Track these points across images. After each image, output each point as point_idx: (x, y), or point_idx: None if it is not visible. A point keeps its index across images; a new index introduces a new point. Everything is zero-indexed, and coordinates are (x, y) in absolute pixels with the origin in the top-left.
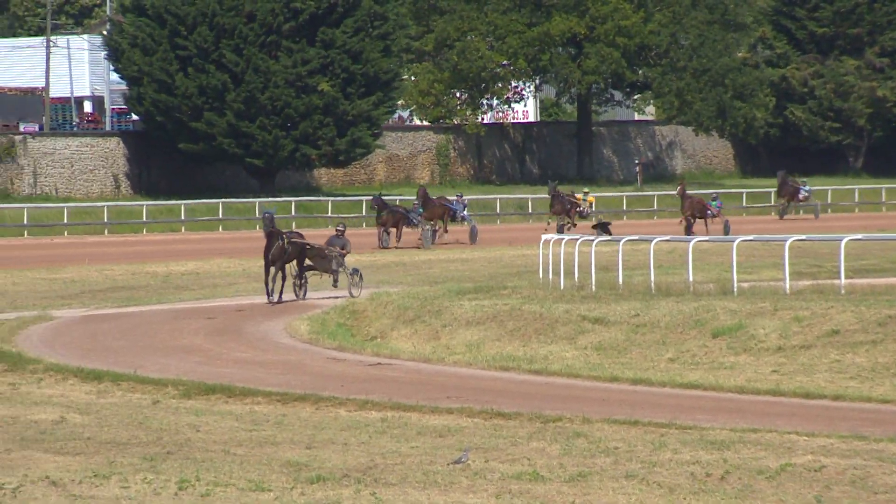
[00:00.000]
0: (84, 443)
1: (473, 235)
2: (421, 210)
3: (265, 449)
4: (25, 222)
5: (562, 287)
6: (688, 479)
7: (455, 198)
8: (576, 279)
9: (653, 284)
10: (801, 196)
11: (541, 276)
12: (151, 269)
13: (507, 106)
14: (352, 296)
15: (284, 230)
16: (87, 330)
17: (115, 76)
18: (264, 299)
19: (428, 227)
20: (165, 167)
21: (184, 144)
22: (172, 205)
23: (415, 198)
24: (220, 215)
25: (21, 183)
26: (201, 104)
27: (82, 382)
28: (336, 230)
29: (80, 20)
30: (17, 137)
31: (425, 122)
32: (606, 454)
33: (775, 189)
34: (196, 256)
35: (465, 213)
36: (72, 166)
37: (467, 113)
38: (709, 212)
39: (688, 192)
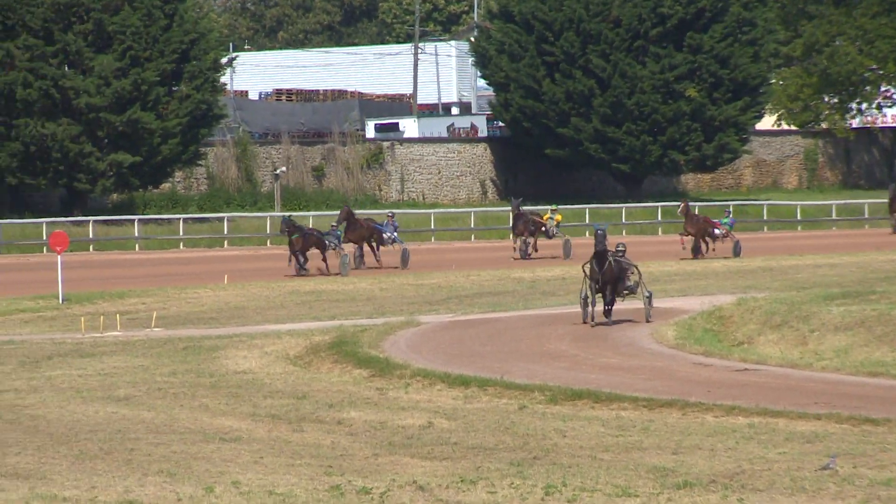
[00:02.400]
0: (451, 448)
1: (405, 259)
2: (339, 233)
3: (631, 454)
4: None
5: None
6: None
7: (386, 219)
8: None
9: None
10: None
11: None
12: (517, 275)
13: (877, 111)
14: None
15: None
16: (454, 335)
17: (481, 82)
18: (635, 305)
19: (344, 251)
20: (532, 173)
21: (550, 150)
22: (539, 210)
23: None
24: (587, 220)
25: (389, 189)
26: (568, 109)
27: (449, 388)
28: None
29: (447, 27)
30: (386, 144)
31: (792, 127)
32: None
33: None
34: (561, 262)
35: (395, 234)
36: (439, 172)
37: (836, 118)
38: (716, 230)
39: (691, 210)
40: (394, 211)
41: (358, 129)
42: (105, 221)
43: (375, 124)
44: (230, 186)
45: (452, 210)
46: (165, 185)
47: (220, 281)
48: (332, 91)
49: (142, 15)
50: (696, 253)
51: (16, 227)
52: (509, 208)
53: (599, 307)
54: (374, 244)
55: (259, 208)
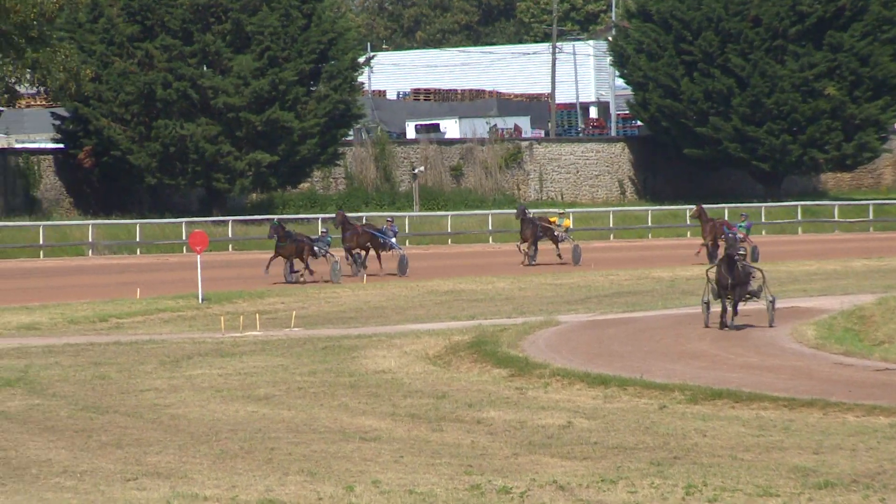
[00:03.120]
0: (591, 448)
1: (403, 266)
2: (329, 238)
3: (772, 454)
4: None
5: None
6: None
7: (385, 224)
8: None
9: None
10: None
11: None
12: (657, 274)
13: None
14: None
15: None
16: (593, 335)
17: (619, 82)
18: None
19: (335, 257)
20: (670, 172)
21: (688, 150)
22: (677, 209)
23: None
24: (726, 218)
25: (527, 188)
26: (706, 109)
27: (588, 387)
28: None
29: (585, 26)
30: (524, 143)
31: None
32: None
33: None
34: (693, 262)
35: (393, 240)
36: (577, 172)
37: None
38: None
39: (705, 214)
40: (393, 215)
41: (497, 129)
42: (244, 221)
43: (416, 125)
44: (368, 186)
45: (591, 209)
46: (304, 185)
47: (358, 281)
48: (470, 91)
49: (280, 15)
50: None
51: (155, 227)
52: (647, 208)
53: (717, 308)
54: (376, 250)
55: (397, 208)
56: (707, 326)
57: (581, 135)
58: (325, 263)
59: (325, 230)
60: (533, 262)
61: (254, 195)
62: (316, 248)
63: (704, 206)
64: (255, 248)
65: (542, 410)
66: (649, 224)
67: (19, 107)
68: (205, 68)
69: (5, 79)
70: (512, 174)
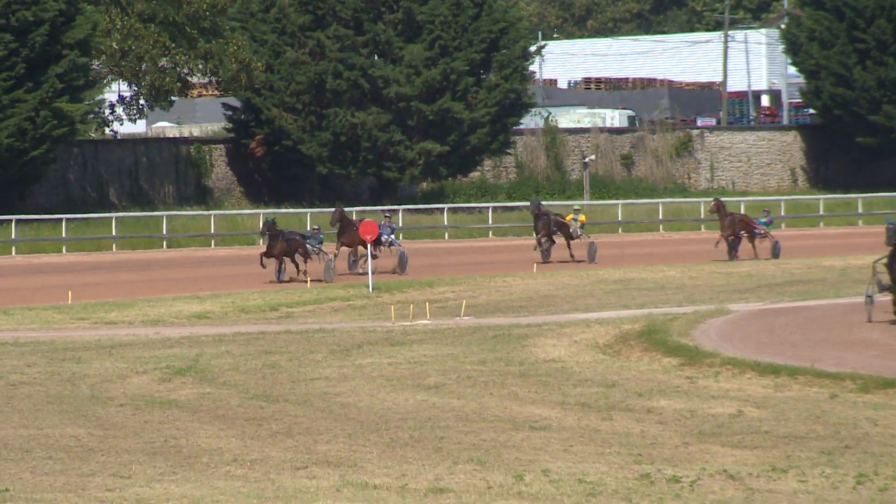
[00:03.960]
0: (761, 437)
1: (403, 263)
2: (321, 236)
3: None
4: (701, 216)
5: None
6: None
7: (383, 220)
8: None
9: None
10: None
11: None
12: (828, 263)
13: None
14: None
15: None
16: (763, 323)
17: (792, 70)
18: None
19: (328, 255)
20: (842, 161)
21: (861, 138)
22: (849, 198)
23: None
24: None
25: (698, 177)
26: (879, 97)
27: (759, 376)
28: None
29: (757, 14)
30: (695, 132)
31: None
32: None
33: None
34: (874, 250)
35: (392, 237)
36: (748, 160)
37: None
38: (756, 230)
39: (724, 208)
40: (392, 210)
41: (667, 118)
42: (414, 210)
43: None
44: (539, 175)
45: (762, 198)
46: (475, 174)
47: (529, 269)
48: (642, 79)
49: (451, 4)
50: (732, 254)
51: (326, 216)
52: (818, 197)
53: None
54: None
55: (568, 197)
56: (870, 321)
57: (752, 123)
58: (319, 262)
59: (316, 227)
60: (548, 260)
61: (424, 184)
62: (308, 247)
63: (878, 193)
64: (426, 238)
65: (712, 399)
66: (821, 213)
67: (191, 96)
68: (375, 58)
69: (178, 69)
70: (683, 163)
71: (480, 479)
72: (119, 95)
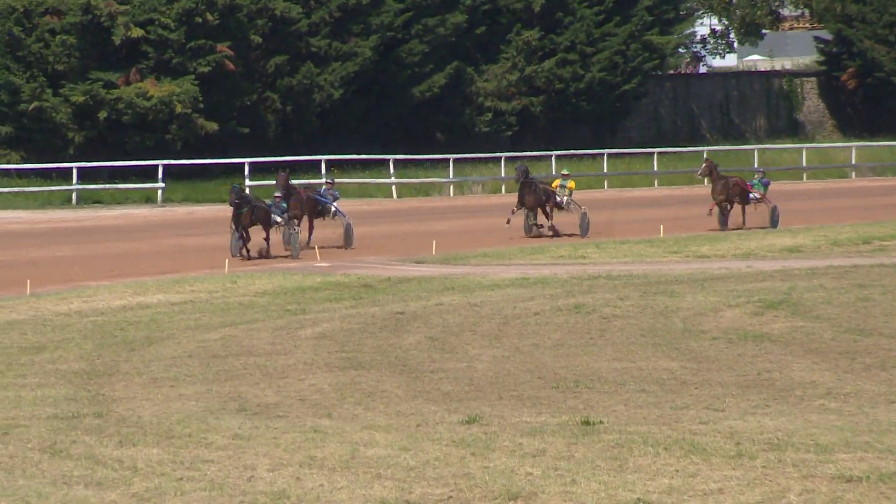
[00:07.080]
0: None
1: (348, 237)
2: (284, 205)
3: None
4: None
5: None
6: None
7: (325, 186)
8: None
9: None
10: None
11: None
12: None
13: None
14: None
15: None
16: None
17: None
18: None
19: (292, 227)
20: None
21: None
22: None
23: None
24: None
25: None
26: None
27: None
28: None
29: None
30: None
31: None
32: None
33: None
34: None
35: (335, 206)
36: None
37: None
38: (750, 195)
39: (716, 171)
40: (333, 178)
41: None
42: None
43: None
44: None
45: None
46: None
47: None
48: None
49: None
50: (724, 223)
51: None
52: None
53: None
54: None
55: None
56: None
57: None
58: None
59: (278, 195)
60: (534, 235)
61: None
62: (273, 212)
63: None
64: None
65: None
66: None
67: (782, 29)
68: None
69: (769, 2)
70: None
71: None
72: (711, 29)
